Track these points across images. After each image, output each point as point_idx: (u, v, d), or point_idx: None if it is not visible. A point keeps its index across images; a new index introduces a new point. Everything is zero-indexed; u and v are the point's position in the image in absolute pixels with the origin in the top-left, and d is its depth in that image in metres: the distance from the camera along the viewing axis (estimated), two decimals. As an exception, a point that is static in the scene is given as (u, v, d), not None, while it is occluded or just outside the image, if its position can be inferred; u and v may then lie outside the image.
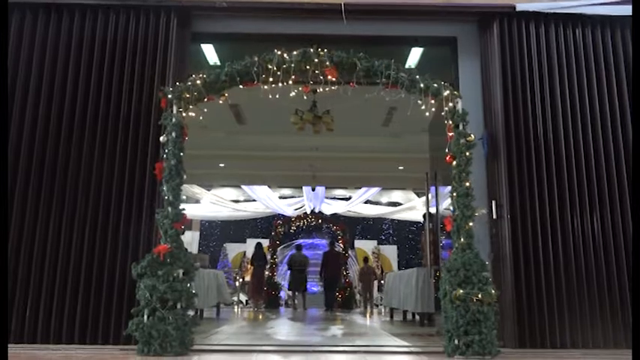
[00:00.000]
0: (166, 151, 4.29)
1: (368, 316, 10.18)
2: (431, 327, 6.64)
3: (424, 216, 7.83)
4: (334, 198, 15.94)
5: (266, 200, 14.92)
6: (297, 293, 12.54)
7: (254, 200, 15.26)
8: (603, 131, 4.86)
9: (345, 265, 13.55)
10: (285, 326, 7.16)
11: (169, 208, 4.15)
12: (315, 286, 14.17)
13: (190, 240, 15.30)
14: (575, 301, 4.48)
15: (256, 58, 4.36)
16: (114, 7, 4.95)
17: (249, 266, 16.35)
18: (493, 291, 3.95)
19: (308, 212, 15.63)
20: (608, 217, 4.67)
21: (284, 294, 14.14)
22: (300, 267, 12.44)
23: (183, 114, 4.42)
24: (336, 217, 16.20)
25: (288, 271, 12.81)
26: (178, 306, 3.94)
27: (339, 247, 14.61)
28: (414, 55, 6.02)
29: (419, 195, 14.41)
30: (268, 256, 14.00)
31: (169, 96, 4.42)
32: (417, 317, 7.60)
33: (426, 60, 6.04)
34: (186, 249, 4.22)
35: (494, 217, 4.73)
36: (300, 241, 17.20)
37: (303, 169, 11.58)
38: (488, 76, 5.04)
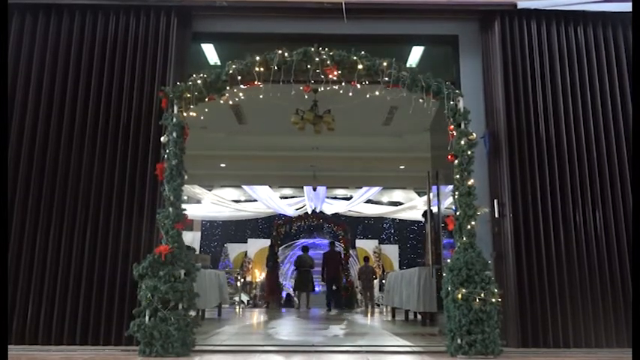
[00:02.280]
0: (167, 151, 4.28)
1: (369, 315, 10.16)
2: (433, 326, 6.63)
3: (424, 215, 7.81)
4: (335, 198, 15.92)
5: (267, 200, 14.89)
6: (302, 293, 12.60)
7: (255, 200, 15.24)
8: (605, 129, 4.85)
9: (345, 265, 13.52)
10: (287, 326, 7.15)
11: (170, 209, 4.15)
12: (317, 285, 14.20)
13: (191, 240, 15.26)
14: (578, 300, 4.47)
15: (257, 58, 4.35)
16: (114, 8, 4.94)
17: (250, 266, 16.37)
18: (496, 290, 3.94)
19: (309, 212, 15.62)
20: (610, 216, 4.66)
21: (285, 294, 14.17)
22: (307, 267, 12.58)
23: (184, 114, 4.41)
24: (337, 217, 16.19)
25: (295, 272, 12.87)
26: (180, 306, 3.93)
27: (339, 247, 14.60)
28: (415, 54, 6.01)
29: (420, 194, 14.38)
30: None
31: (170, 96, 4.41)
32: (419, 317, 7.59)
33: (427, 59, 6.03)
34: (188, 246, 4.21)
35: (497, 215, 4.71)
36: (304, 241, 17.23)
37: (304, 169, 11.57)
38: (490, 75, 5.02)
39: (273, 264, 12.85)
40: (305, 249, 13.36)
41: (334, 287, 12.47)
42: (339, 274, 12.79)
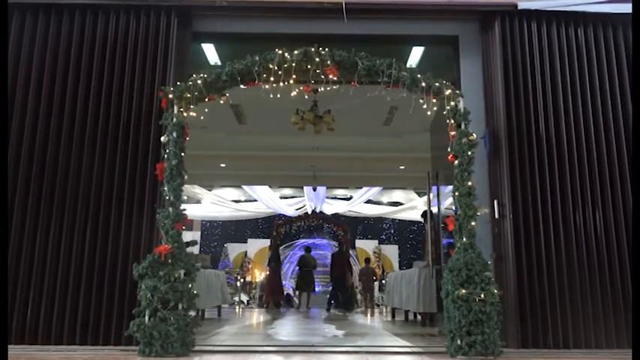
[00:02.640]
0: (167, 151, 4.28)
1: (369, 316, 10.16)
2: (433, 327, 6.62)
3: (423, 215, 7.81)
4: (335, 198, 15.93)
5: (267, 200, 14.90)
6: (303, 293, 12.63)
7: (255, 200, 15.25)
8: (605, 129, 4.85)
9: (349, 265, 13.52)
10: (287, 326, 7.14)
11: (170, 209, 4.15)
12: (317, 286, 14.22)
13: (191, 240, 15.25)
14: (578, 301, 4.47)
15: (257, 58, 4.35)
16: (114, 7, 4.94)
17: (250, 266, 16.35)
18: (495, 291, 3.94)
19: (309, 212, 15.62)
20: (610, 216, 4.65)
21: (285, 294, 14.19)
22: (310, 268, 12.64)
23: (184, 114, 4.41)
24: (337, 217, 16.19)
25: (297, 272, 12.92)
26: (180, 307, 3.93)
27: (345, 248, 14.57)
28: (416, 54, 6.01)
29: (420, 195, 14.39)
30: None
31: (170, 96, 4.41)
32: (419, 317, 7.58)
33: (427, 59, 6.03)
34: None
35: (497, 216, 4.71)
36: (305, 241, 17.23)
37: (304, 169, 11.57)
38: (490, 75, 5.02)
39: (275, 264, 12.85)
40: (307, 249, 13.39)
41: (337, 287, 12.52)
42: (345, 274, 12.83)
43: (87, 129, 4.69)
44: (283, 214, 15.73)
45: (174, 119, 4.32)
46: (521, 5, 4.96)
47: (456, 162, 4.25)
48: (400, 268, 16.87)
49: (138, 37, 4.90)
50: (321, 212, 15.65)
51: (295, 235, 18.08)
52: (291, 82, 4.41)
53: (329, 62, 4.35)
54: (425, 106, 4.42)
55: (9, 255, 4.38)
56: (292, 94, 4.68)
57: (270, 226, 16.41)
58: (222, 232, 20.03)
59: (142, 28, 4.93)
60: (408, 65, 5.99)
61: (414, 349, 4.50)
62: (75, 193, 4.55)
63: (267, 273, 12.91)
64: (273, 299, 12.41)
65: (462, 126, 4.33)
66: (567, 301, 4.46)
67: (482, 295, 3.87)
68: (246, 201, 15.64)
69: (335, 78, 4.40)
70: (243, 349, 4.40)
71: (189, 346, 3.99)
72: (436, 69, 4.65)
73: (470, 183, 4.19)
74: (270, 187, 14.49)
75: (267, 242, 16.28)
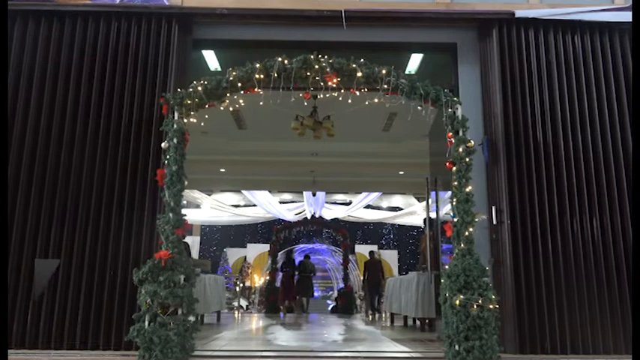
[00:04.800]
0: (167, 157, 4.30)
1: (370, 320, 10.15)
2: (431, 332, 6.64)
3: (425, 221, 7.81)
4: (335, 203, 15.93)
5: (266, 205, 14.91)
6: (302, 298, 12.65)
7: (254, 205, 15.26)
8: (602, 136, 4.88)
9: (382, 272, 13.47)
10: (287, 332, 7.15)
11: (170, 214, 4.17)
12: (317, 291, 14.26)
13: (191, 245, 15.27)
14: (576, 307, 4.49)
15: (257, 65, 4.38)
16: (115, 14, 4.98)
17: (249, 270, 16.34)
18: (493, 296, 3.96)
19: (308, 217, 15.64)
20: (607, 222, 4.68)
21: None
22: (309, 273, 12.71)
23: (185, 120, 4.44)
24: (336, 222, 16.20)
25: (297, 277, 12.96)
26: (179, 312, 3.95)
27: (378, 255, 14.50)
28: (414, 61, 6.05)
29: (419, 200, 14.40)
30: (269, 262, 14.13)
31: (171, 102, 4.44)
32: (418, 322, 7.59)
33: (426, 66, 6.07)
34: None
35: (495, 222, 4.74)
36: (304, 246, 17.25)
37: (303, 174, 11.59)
38: (488, 82, 5.06)
39: (291, 269, 12.85)
40: (307, 256, 13.50)
41: (372, 293, 12.56)
42: (380, 280, 12.83)
43: (88, 134, 4.72)
44: (283, 219, 15.75)
45: (175, 125, 4.35)
46: (519, 13, 5.01)
47: (454, 168, 4.28)
48: (400, 273, 16.88)
49: (139, 44, 4.95)
50: (320, 217, 15.67)
51: (295, 240, 18.10)
52: (291, 88, 4.45)
53: (328, 69, 4.38)
54: (423, 113, 4.45)
55: (10, 258, 4.40)
56: (292, 101, 4.71)
57: (270, 231, 16.43)
58: (222, 237, 20.06)
59: (142, 34, 4.97)
60: (406, 72, 6.03)
61: (413, 355, 4.52)
62: (76, 197, 4.58)
63: (282, 277, 12.87)
64: (288, 303, 12.44)
65: (460, 133, 4.35)
66: (565, 307, 4.48)
67: (480, 301, 3.88)
68: (245, 206, 15.65)
69: (334, 85, 4.43)
70: (242, 354, 4.42)
71: (189, 351, 4.00)
72: (434, 76, 4.69)
73: (468, 189, 4.21)
74: (269, 191, 14.50)
75: (266, 247, 16.28)
